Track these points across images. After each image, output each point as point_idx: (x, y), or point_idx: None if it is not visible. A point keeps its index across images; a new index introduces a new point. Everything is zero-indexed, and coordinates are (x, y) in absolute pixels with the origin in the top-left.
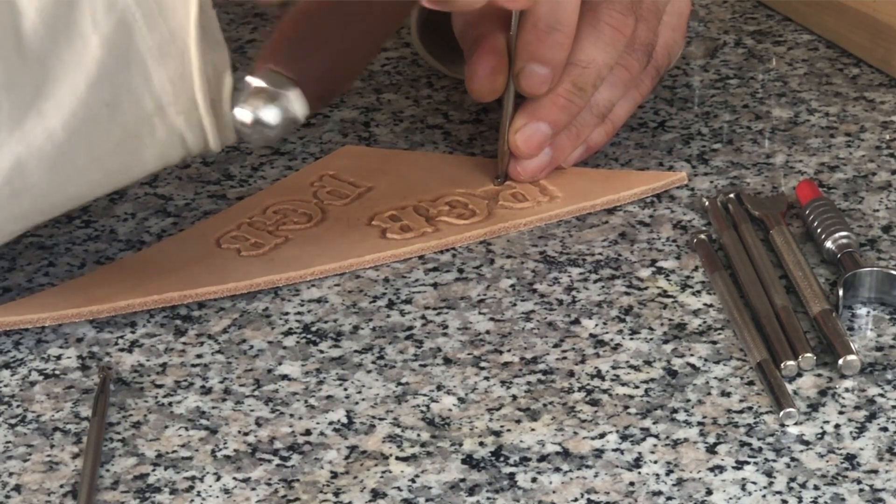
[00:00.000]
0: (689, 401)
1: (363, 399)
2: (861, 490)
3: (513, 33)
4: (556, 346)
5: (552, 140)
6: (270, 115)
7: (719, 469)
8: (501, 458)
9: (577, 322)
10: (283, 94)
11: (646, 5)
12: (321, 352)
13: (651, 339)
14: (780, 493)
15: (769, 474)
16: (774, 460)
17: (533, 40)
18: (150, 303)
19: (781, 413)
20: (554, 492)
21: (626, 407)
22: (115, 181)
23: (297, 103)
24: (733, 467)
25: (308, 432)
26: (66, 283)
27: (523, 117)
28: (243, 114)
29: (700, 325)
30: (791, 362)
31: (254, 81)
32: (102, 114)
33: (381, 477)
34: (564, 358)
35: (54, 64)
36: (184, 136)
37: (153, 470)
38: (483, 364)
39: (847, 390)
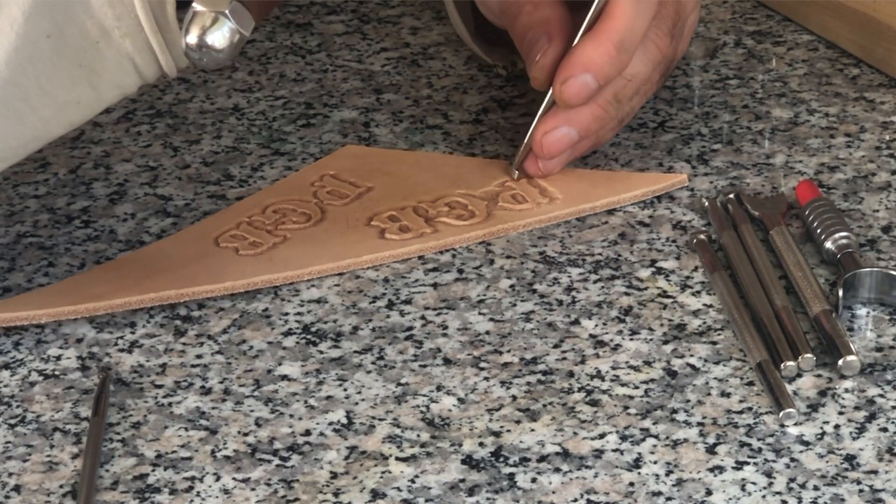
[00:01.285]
0: (688, 401)
1: (363, 399)
2: (861, 490)
3: (581, 32)
4: (555, 346)
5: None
6: (216, 36)
7: (719, 469)
8: (501, 459)
9: (576, 322)
10: (225, 12)
11: (679, 25)
12: (321, 352)
13: (651, 339)
14: (779, 493)
15: (769, 475)
16: (774, 461)
17: (601, 53)
18: (148, 301)
19: (781, 413)
20: (554, 492)
21: (626, 407)
22: (71, 116)
23: (241, 19)
24: (733, 468)
25: (308, 433)
26: (63, 281)
27: (556, 120)
28: (190, 38)
29: (700, 326)
30: (791, 363)
31: (195, 5)
32: (45, 46)
33: (381, 477)
34: (564, 358)
35: None
36: (133, 59)
37: (153, 470)
38: (483, 364)
39: (847, 391)
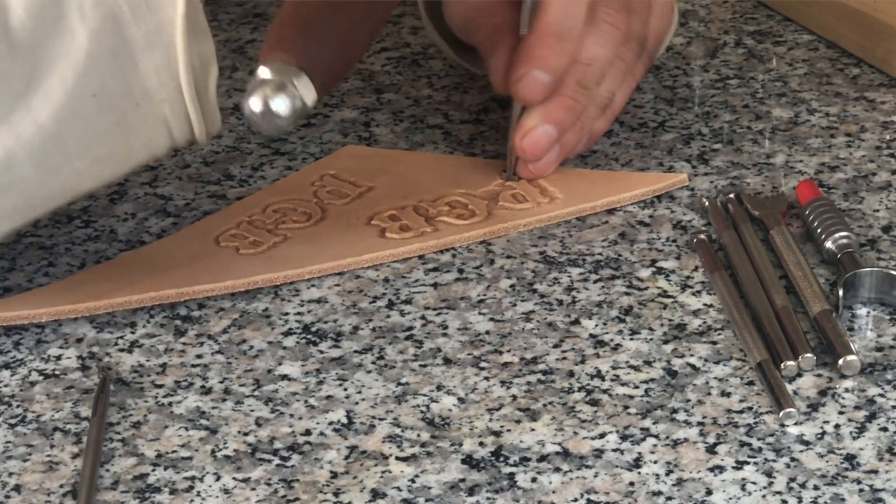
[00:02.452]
0: (689, 401)
1: (363, 399)
2: (861, 490)
3: (522, 33)
4: (556, 346)
5: (562, 135)
6: (280, 104)
7: (719, 469)
8: (501, 458)
9: (577, 322)
10: (292, 82)
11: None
12: (321, 352)
13: (651, 339)
14: (779, 493)
15: (769, 474)
16: (774, 460)
17: (541, 46)
18: (148, 300)
19: (781, 413)
20: (554, 492)
21: (626, 407)
22: (103, 172)
23: (305, 90)
24: (733, 467)
25: (308, 432)
26: (63, 280)
27: (530, 120)
28: (255, 103)
29: (700, 326)
30: (791, 362)
31: (262, 72)
32: (90, 104)
33: (381, 477)
34: (564, 358)
35: (42, 56)
36: (169, 124)
37: (153, 470)
38: (483, 364)
39: (847, 390)
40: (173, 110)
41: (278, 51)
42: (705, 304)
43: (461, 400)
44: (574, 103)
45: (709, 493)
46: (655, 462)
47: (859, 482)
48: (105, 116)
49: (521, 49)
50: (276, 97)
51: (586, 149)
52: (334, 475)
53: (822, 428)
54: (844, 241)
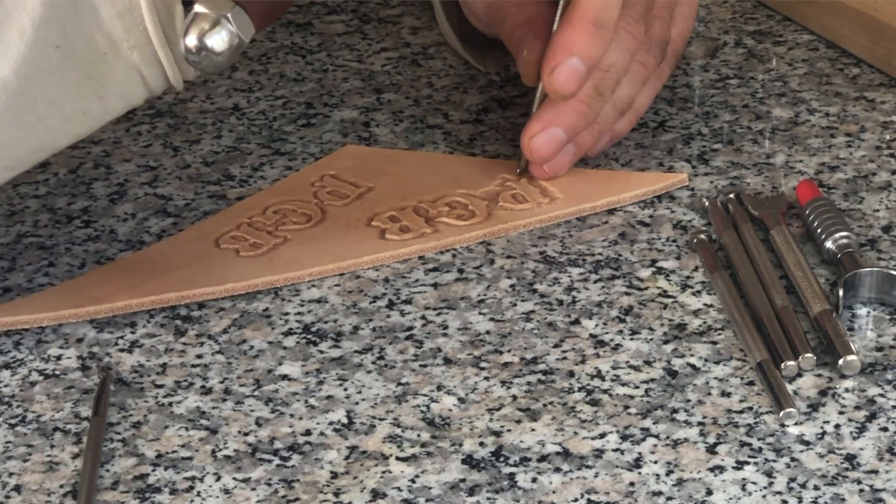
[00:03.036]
0: (689, 401)
1: (363, 399)
2: (861, 490)
3: (557, 21)
4: (556, 346)
5: (571, 139)
6: (216, 40)
7: (719, 469)
8: (501, 459)
9: (577, 322)
10: (226, 16)
11: (658, 5)
12: (321, 352)
13: (651, 339)
14: (780, 493)
15: (769, 474)
16: (774, 460)
17: (580, 33)
18: (148, 303)
19: (781, 413)
20: (554, 492)
21: (627, 407)
22: (78, 127)
23: (242, 25)
24: (733, 467)
25: (308, 432)
26: (64, 284)
27: (540, 122)
28: (190, 40)
29: (700, 326)
30: (791, 362)
31: (198, 7)
32: (54, 56)
33: (381, 477)
34: (564, 358)
35: None
36: (141, 71)
37: (153, 470)
38: (483, 364)
39: (847, 390)
40: (143, 57)
41: None
42: (705, 304)
43: (461, 400)
44: (586, 108)
45: (709, 493)
46: (656, 462)
47: (859, 482)
48: (72, 70)
49: (557, 37)
50: (212, 33)
51: (607, 147)
52: (334, 475)
53: (822, 428)
54: (844, 241)
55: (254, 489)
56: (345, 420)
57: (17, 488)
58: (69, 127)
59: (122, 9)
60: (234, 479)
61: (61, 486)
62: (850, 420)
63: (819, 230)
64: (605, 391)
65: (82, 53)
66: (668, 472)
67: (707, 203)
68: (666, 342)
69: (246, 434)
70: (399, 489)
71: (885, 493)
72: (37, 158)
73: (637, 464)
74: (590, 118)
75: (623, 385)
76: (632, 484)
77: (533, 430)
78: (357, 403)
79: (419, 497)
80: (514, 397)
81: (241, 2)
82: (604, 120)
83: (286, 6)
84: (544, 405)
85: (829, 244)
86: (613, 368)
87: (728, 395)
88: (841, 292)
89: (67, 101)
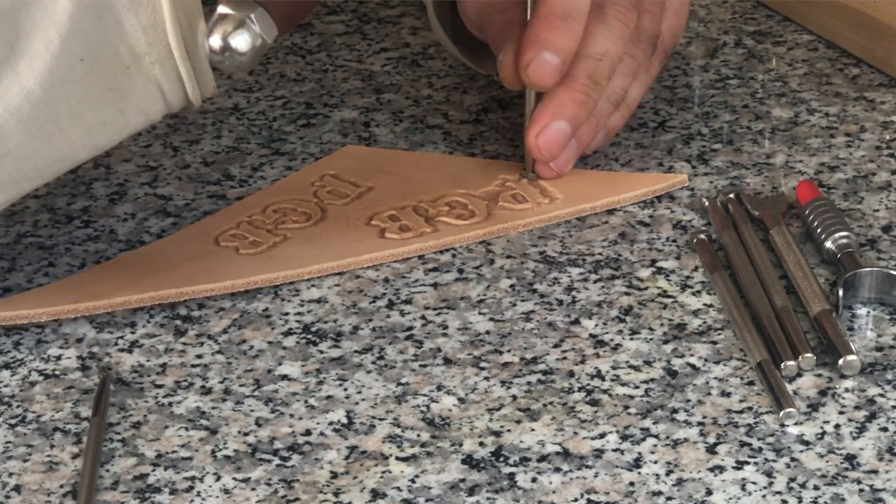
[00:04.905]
0: (689, 401)
1: (363, 399)
2: (861, 490)
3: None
4: (556, 346)
5: (575, 131)
6: (239, 40)
7: (719, 469)
8: (501, 459)
9: (577, 322)
10: (250, 17)
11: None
12: (321, 352)
13: (651, 339)
14: (780, 493)
15: (769, 474)
16: (774, 460)
17: (547, 27)
18: (148, 300)
19: (781, 413)
20: (554, 492)
21: (626, 407)
22: (97, 139)
23: (265, 27)
24: (733, 467)
25: (308, 432)
26: (63, 280)
27: (543, 117)
28: (214, 41)
29: (700, 326)
30: (791, 362)
31: (221, 8)
32: (78, 69)
33: (381, 477)
34: (564, 358)
35: (25, 20)
36: (161, 86)
37: (153, 470)
38: (483, 364)
39: (847, 390)
40: (164, 71)
41: None
42: (705, 304)
43: (461, 400)
44: (585, 98)
45: (709, 493)
46: (655, 462)
47: (859, 482)
48: (95, 82)
49: (527, 34)
50: (235, 34)
51: (604, 144)
52: (334, 475)
53: (822, 428)
54: (844, 241)
55: (254, 489)
56: (345, 420)
57: (17, 488)
58: (88, 139)
59: (147, 24)
60: (234, 479)
61: (61, 486)
62: (849, 420)
63: (819, 230)
64: (604, 391)
65: (106, 66)
66: (668, 472)
67: (707, 203)
68: (666, 342)
69: (246, 434)
70: (399, 489)
71: (885, 493)
72: (56, 170)
73: (637, 464)
74: (589, 107)
75: (623, 385)
76: (632, 484)
77: (533, 430)
78: (357, 403)
79: (419, 497)
80: (514, 397)
81: (265, 3)
82: (599, 113)
83: (310, 8)
84: (544, 405)
85: (828, 244)
86: (613, 368)
87: (728, 395)
88: (841, 292)
89: (88, 112)
